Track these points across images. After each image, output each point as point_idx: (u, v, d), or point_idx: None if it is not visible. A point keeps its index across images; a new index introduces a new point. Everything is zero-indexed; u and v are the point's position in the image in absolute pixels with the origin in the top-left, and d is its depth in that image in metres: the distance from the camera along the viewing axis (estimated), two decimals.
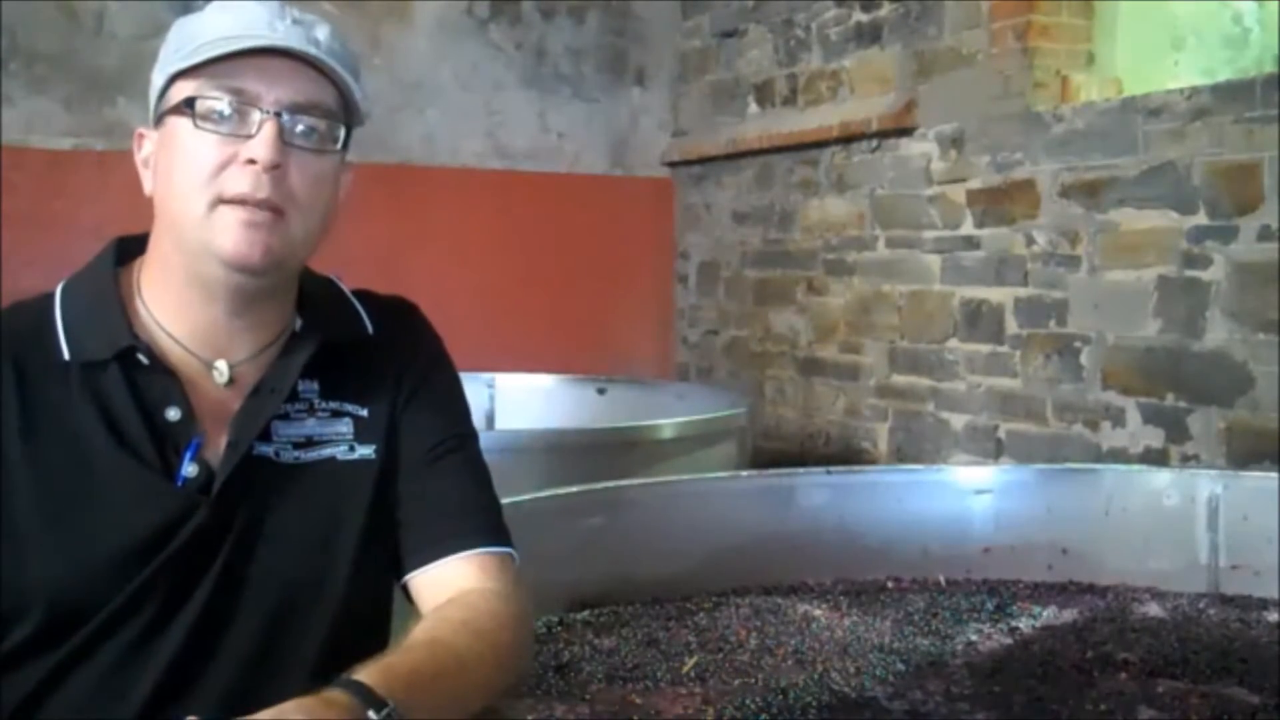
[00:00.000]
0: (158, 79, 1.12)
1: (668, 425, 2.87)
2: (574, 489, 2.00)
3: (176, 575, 1.07)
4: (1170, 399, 3.31)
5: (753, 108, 5.03)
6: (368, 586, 1.18)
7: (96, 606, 1.05)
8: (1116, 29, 3.82)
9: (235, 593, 1.10)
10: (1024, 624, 1.86)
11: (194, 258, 1.10)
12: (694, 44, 5.39)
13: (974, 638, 1.79)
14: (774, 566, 2.07)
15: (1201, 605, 1.97)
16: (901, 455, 4.22)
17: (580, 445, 2.81)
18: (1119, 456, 3.41)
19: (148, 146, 1.14)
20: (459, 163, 5.08)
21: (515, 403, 3.93)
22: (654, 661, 1.65)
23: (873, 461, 4.28)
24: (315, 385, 1.18)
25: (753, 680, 1.58)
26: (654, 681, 1.57)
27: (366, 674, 0.96)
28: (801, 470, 2.35)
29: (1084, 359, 3.55)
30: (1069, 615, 1.90)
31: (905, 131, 4.18)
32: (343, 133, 1.13)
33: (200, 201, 1.07)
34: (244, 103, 1.07)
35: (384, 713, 0.92)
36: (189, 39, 1.10)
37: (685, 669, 1.62)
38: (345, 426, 1.18)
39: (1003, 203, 3.81)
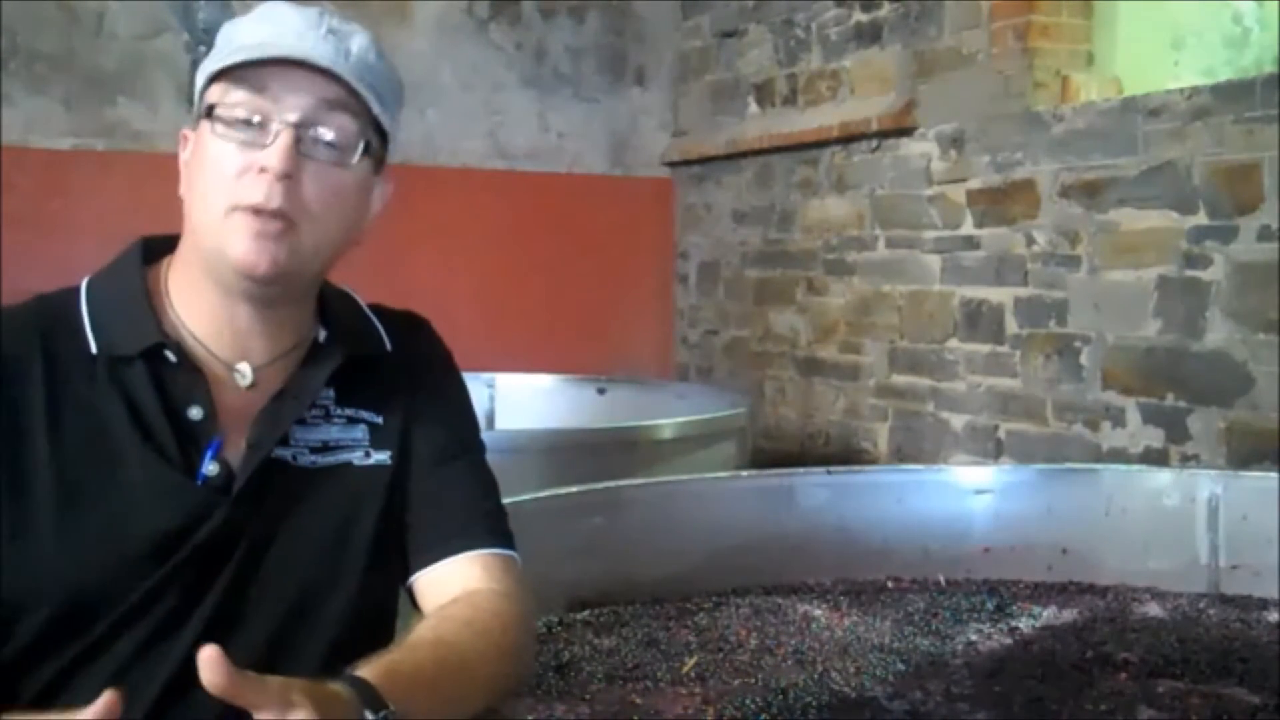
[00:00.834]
0: (199, 81, 1.13)
1: (668, 425, 2.87)
2: (574, 489, 2.00)
3: (192, 573, 1.08)
4: (1170, 399, 3.31)
5: (753, 108, 5.03)
6: (378, 589, 1.19)
7: (113, 601, 1.06)
8: (1116, 29, 3.82)
9: (249, 592, 1.10)
10: (1024, 624, 1.86)
11: (212, 261, 1.11)
12: (694, 44, 5.39)
13: (974, 638, 1.79)
14: (774, 566, 2.07)
15: (1201, 605, 1.97)
16: (901, 455, 4.21)
17: (580, 445, 2.81)
18: (1119, 457, 3.41)
19: (189, 148, 1.14)
20: (459, 163, 5.08)
21: (515, 403, 3.94)
22: (654, 661, 1.65)
23: (873, 461, 4.28)
24: (331, 392, 1.19)
25: (753, 680, 1.58)
26: (654, 681, 1.57)
27: (370, 671, 0.96)
28: (801, 470, 2.35)
29: (1084, 359, 3.55)
30: (1069, 615, 1.91)
31: (905, 131, 4.18)
32: (364, 145, 1.12)
33: (218, 207, 1.08)
34: (263, 112, 1.08)
35: (381, 715, 0.92)
36: (226, 43, 1.11)
37: (685, 669, 1.62)
38: (361, 433, 1.19)
39: (1003, 203, 3.81)
